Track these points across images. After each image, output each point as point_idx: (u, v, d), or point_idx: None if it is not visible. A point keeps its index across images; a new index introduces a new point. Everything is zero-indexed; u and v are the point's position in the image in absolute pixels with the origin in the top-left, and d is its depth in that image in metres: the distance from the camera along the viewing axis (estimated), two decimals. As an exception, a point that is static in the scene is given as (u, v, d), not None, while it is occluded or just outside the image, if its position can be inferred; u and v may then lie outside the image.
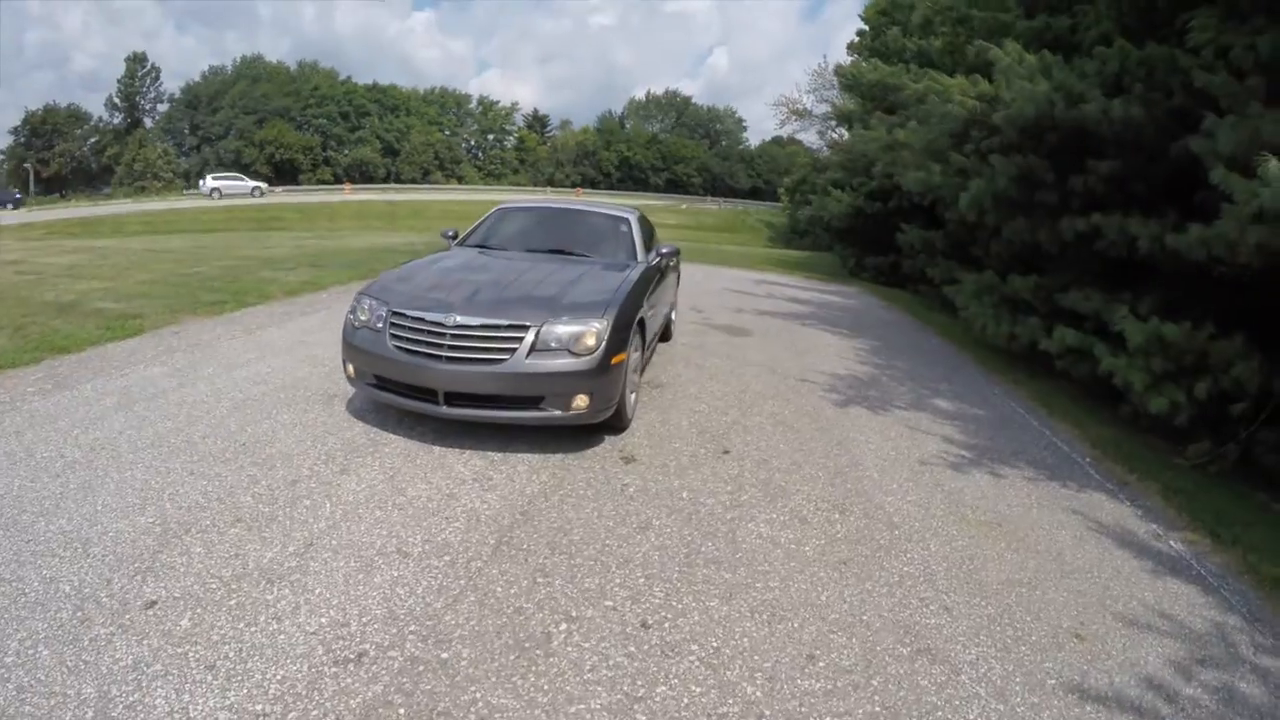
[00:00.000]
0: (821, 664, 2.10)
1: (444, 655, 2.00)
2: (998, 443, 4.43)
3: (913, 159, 7.98)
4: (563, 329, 3.24)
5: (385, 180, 68.58)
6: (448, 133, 78.84)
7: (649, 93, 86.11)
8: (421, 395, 3.27)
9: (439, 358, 3.18)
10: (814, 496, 3.24)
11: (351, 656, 1.97)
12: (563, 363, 3.20)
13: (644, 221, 5.34)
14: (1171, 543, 3.34)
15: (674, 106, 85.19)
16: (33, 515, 2.66)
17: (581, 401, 3.23)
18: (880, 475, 3.62)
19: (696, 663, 2.02)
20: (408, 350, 3.25)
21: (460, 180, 73.88)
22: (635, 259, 4.52)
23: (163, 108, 65.29)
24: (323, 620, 2.11)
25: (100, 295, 6.93)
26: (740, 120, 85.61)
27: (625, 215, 5.00)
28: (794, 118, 32.23)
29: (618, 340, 3.35)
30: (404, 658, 1.97)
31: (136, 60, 63.00)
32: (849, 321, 8.56)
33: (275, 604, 2.19)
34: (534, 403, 3.22)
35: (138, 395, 4.00)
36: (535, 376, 3.16)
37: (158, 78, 64.55)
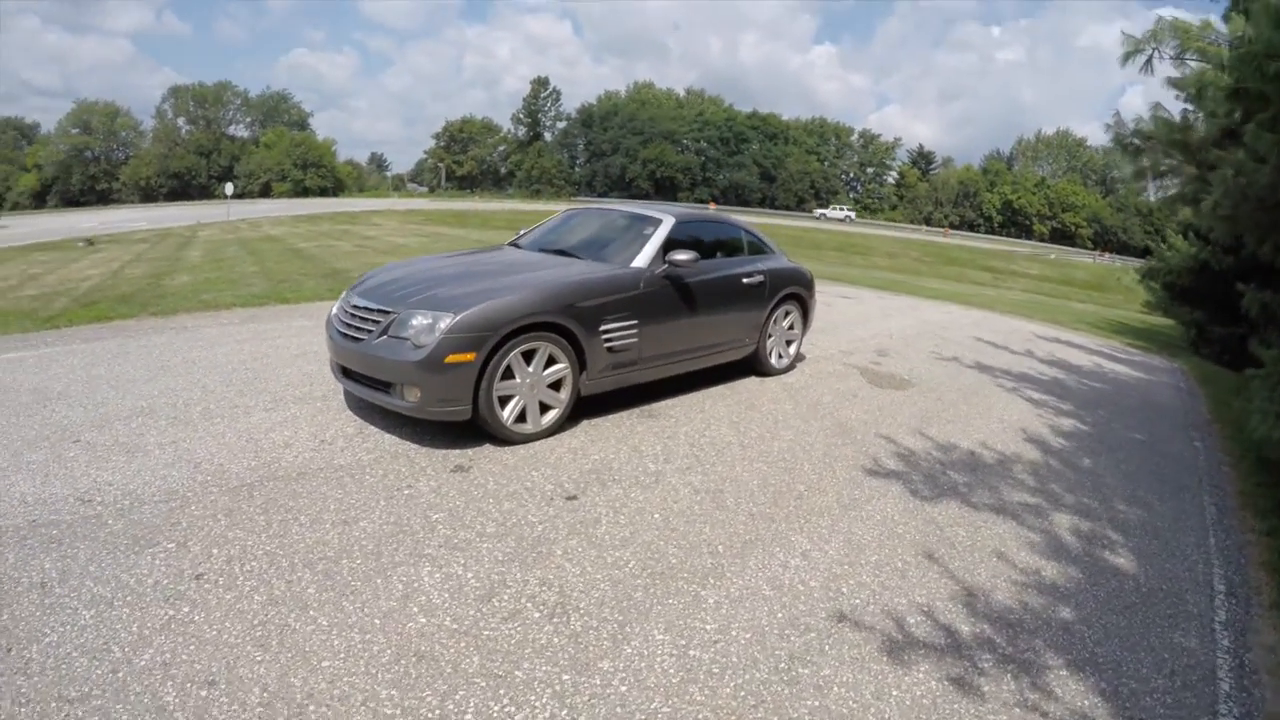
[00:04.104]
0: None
1: (109, 522, 2.82)
2: (1099, 637, 2.72)
3: (1161, 159, 5.70)
4: (417, 319, 3.62)
5: (760, 204, 74.34)
6: (826, 163, 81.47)
7: (1039, 133, 77.78)
8: (333, 365, 4.08)
9: (338, 333, 3.93)
10: (542, 582, 2.73)
11: (84, 500, 2.99)
12: (399, 351, 3.57)
13: (686, 230, 5.04)
14: None
15: (1065, 148, 75.08)
16: (108, 387, 4.35)
17: (413, 394, 3.56)
18: (664, 602, 2.62)
19: (157, 626, 2.24)
20: (335, 326, 4.06)
21: (835, 211, 75.73)
22: (628, 265, 4.53)
23: (561, 125, 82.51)
24: (103, 478, 3.18)
25: (370, 268, 9.57)
26: (1141, 167, 71.58)
27: (659, 218, 4.97)
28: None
29: (462, 341, 3.52)
30: (93, 513, 2.88)
31: (540, 83, 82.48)
32: (1089, 398, 6.66)
33: (109, 460, 3.37)
34: (385, 387, 3.69)
35: (260, 337, 5.83)
36: (376, 360, 3.65)
37: (558, 98, 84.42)
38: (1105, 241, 67.15)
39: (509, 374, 3.78)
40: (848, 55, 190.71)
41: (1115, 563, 3.38)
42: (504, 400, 3.80)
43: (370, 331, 3.76)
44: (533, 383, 3.90)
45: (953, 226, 66.87)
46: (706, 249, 5.19)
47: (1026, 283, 25.85)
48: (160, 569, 2.52)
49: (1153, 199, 10.96)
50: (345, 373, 3.95)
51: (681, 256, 4.57)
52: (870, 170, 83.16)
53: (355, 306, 3.96)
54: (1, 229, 26.25)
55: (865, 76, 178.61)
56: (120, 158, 75.76)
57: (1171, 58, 5.86)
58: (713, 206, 60.30)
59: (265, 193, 69.09)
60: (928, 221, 70.71)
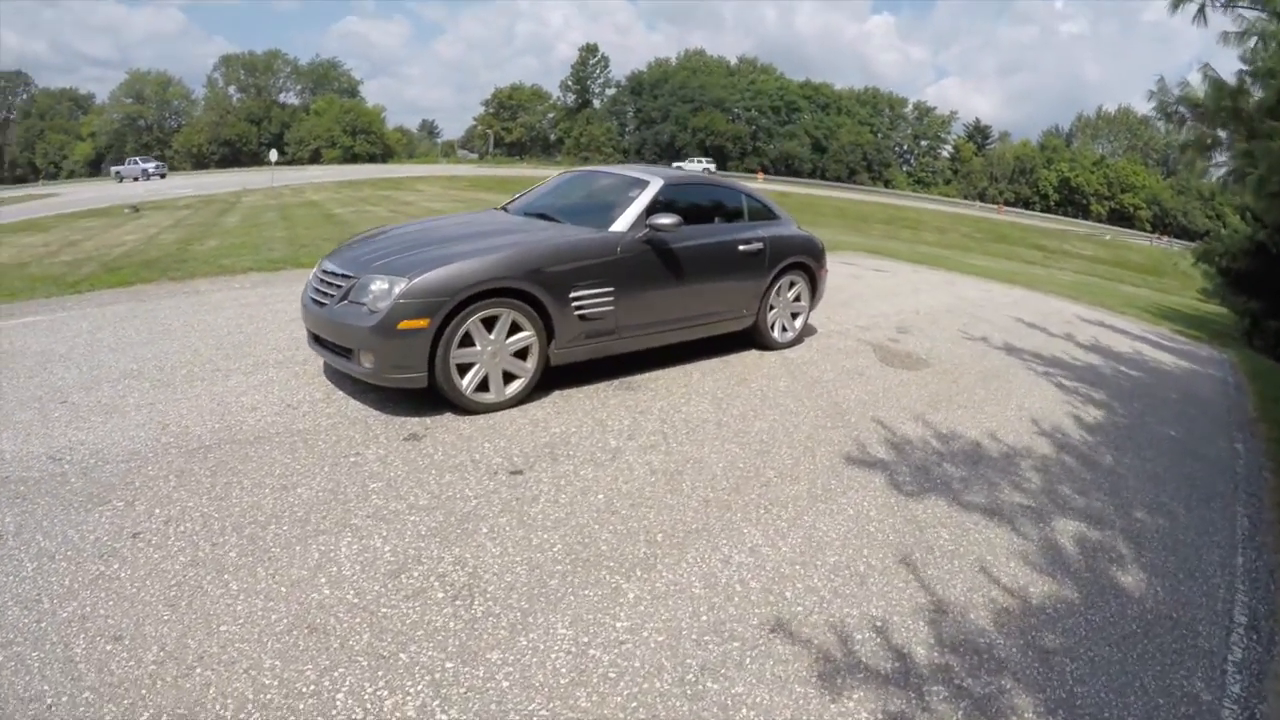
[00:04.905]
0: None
1: (71, 480, 2.97)
2: (1083, 673, 2.40)
3: (1212, 128, 5.22)
4: (375, 284, 3.62)
5: (810, 175, 72.62)
6: (879, 135, 79.24)
7: (1100, 109, 75.19)
8: (308, 332, 4.16)
9: (309, 299, 3.99)
10: (457, 561, 2.70)
11: (55, 458, 3.16)
12: (357, 316, 3.59)
13: (676, 193, 4.82)
14: None
15: (1126, 127, 72.17)
16: (107, 350, 4.59)
17: (367, 360, 3.58)
18: (578, 593, 2.48)
19: (87, 580, 2.36)
20: (308, 292, 4.13)
21: (887, 184, 73.96)
22: (606, 229, 4.41)
23: (609, 92, 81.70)
24: (77, 438, 3.32)
25: (380, 237, 9.73)
26: (1205, 147, 68.67)
27: (647, 180, 4.80)
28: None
29: (415, 306, 3.50)
30: (59, 471, 3.03)
31: (589, 50, 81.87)
32: (1124, 387, 6.24)
33: (87, 421, 3.53)
34: (346, 352, 3.72)
35: (264, 301, 6.01)
36: (336, 325, 3.68)
37: (607, 66, 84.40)
38: (1164, 225, 64.29)
39: (468, 341, 3.73)
40: (906, 26, 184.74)
41: (1121, 582, 2.97)
42: (464, 368, 3.77)
43: (333, 296, 3.80)
44: (494, 351, 3.84)
45: (1007, 203, 64.80)
46: (699, 213, 5.02)
47: (1078, 263, 24.97)
48: (104, 526, 2.65)
49: (1214, 180, 10.34)
50: (315, 338, 4.02)
51: (663, 220, 4.37)
52: (924, 143, 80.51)
53: (325, 271, 4.01)
54: (54, 196, 27.54)
55: (923, 48, 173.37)
56: (173, 126, 78.73)
57: (1223, 4, 5.40)
58: (760, 177, 58.98)
59: (315, 159, 70.74)
60: (981, 197, 68.71)
